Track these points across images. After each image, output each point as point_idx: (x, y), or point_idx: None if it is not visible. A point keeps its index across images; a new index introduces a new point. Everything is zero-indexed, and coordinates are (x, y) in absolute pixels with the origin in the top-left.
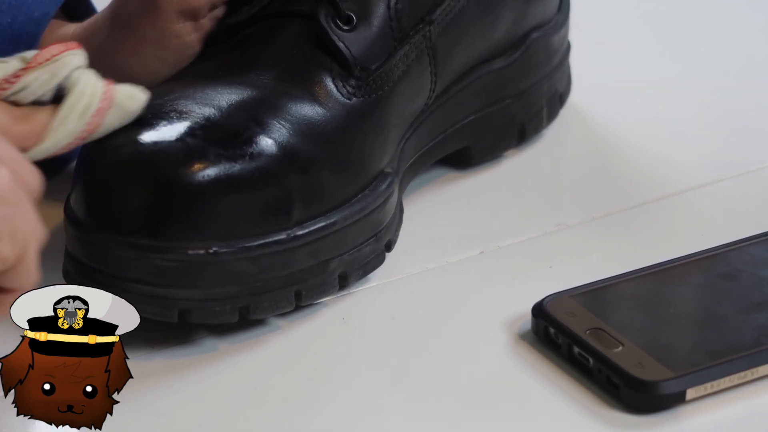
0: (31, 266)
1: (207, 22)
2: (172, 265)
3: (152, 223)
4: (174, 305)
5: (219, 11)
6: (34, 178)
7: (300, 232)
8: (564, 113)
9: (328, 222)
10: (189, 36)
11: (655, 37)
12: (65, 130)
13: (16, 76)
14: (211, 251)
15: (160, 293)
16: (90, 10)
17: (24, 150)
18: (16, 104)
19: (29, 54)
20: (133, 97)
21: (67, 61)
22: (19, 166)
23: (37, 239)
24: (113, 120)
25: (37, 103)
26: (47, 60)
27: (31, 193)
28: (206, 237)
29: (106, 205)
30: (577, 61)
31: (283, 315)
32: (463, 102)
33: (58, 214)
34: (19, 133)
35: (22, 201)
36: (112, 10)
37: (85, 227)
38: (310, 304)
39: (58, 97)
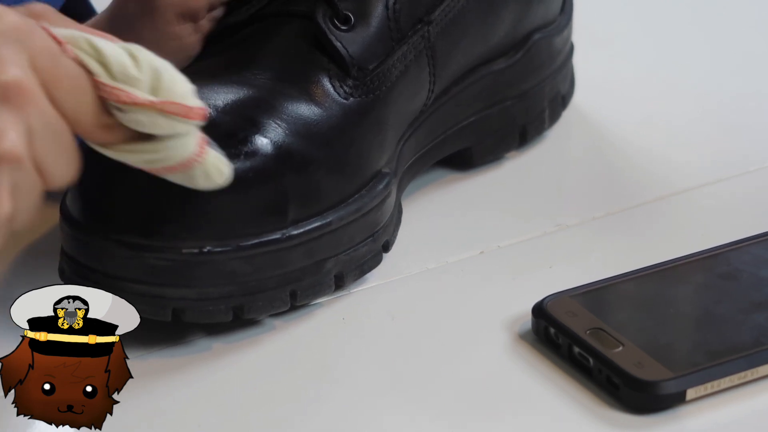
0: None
1: (206, 24)
2: (166, 264)
3: (146, 222)
4: (168, 304)
5: (218, 12)
6: (60, 178)
7: (295, 232)
8: (565, 113)
9: (324, 222)
10: (188, 37)
11: (655, 37)
12: (124, 158)
13: (127, 102)
14: (205, 250)
15: (154, 292)
16: (89, 11)
17: (87, 140)
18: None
19: (166, 77)
20: (209, 177)
21: (173, 125)
22: (55, 164)
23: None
24: (176, 180)
25: None
26: (164, 111)
27: (47, 185)
28: (200, 236)
29: (100, 204)
30: (578, 62)
31: (279, 315)
32: (463, 103)
33: (54, 213)
34: (92, 133)
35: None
36: (112, 12)
37: (80, 226)
38: (309, 304)
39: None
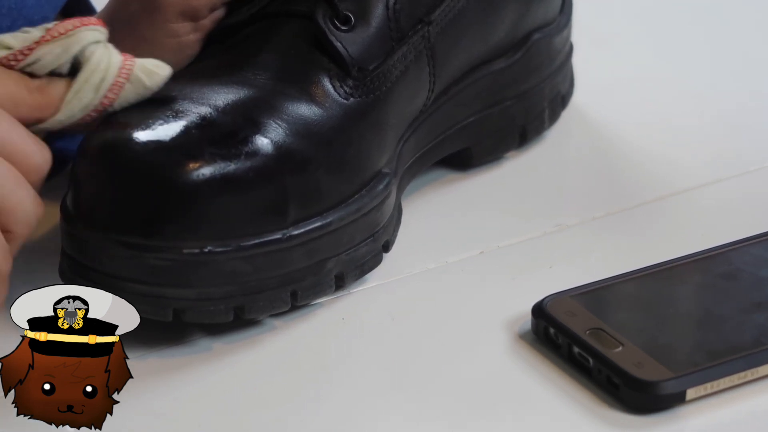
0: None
1: (207, 23)
2: (166, 264)
3: (147, 222)
4: (168, 304)
5: (219, 12)
6: (39, 158)
7: (295, 232)
8: (565, 113)
9: (324, 222)
10: (188, 36)
11: (655, 37)
12: (79, 104)
13: (31, 48)
14: (205, 250)
15: (154, 292)
16: (90, 11)
17: (40, 121)
18: (32, 75)
19: (50, 24)
20: (152, 73)
21: (80, 37)
22: (23, 148)
23: (22, 232)
24: (130, 95)
25: (54, 74)
26: (61, 34)
27: (34, 173)
28: (201, 236)
29: (100, 204)
30: (577, 62)
31: (280, 315)
32: (463, 103)
33: (54, 213)
34: (34, 103)
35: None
36: (112, 11)
37: (80, 226)
38: (309, 304)
39: (76, 69)
